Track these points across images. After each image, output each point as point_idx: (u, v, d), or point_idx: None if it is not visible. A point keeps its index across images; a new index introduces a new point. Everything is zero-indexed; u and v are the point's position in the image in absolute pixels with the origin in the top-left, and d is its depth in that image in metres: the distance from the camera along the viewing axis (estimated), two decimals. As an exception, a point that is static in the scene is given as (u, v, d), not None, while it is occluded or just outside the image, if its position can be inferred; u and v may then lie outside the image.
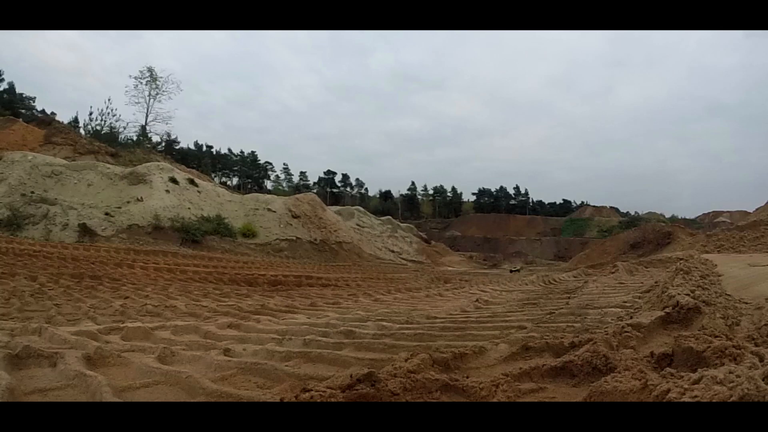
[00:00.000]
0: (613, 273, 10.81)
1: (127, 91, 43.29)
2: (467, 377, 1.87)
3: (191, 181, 22.57)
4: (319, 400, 1.40)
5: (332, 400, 1.42)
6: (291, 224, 23.09)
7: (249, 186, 64.98)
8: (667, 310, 2.64)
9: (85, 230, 15.39)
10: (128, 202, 18.25)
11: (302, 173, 76.14)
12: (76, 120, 42.68)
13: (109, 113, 35.68)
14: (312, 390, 1.46)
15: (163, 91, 41.21)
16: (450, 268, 26.67)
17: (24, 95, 45.34)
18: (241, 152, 72.40)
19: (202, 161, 57.77)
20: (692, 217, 63.61)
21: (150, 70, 41.07)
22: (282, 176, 75.02)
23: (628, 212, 70.71)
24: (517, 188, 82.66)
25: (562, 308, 4.56)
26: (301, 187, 68.00)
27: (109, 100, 37.82)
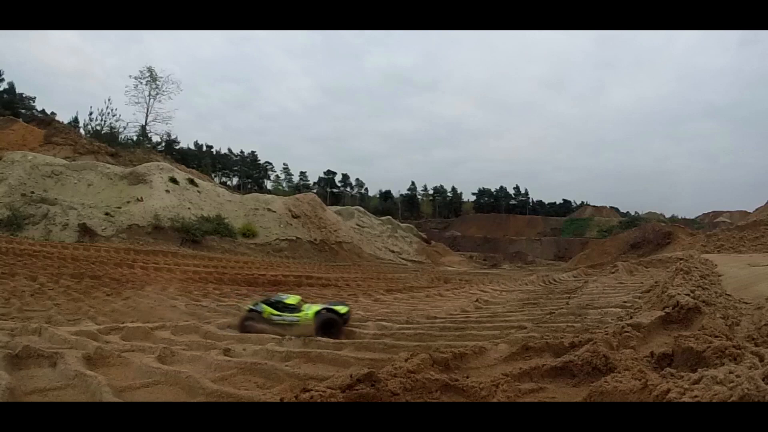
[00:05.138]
0: (613, 273, 10.80)
1: (127, 91, 43.13)
2: (467, 377, 1.87)
3: (191, 181, 22.55)
4: (319, 400, 1.40)
5: (332, 400, 1.42)
6: (291, 224, 23.07)
7: (249, 186, 64.90)
8: (667, 310, 2.64)
9: (85, 230, 15.38)
10: (128, 202, 18.25)
11: (302, 173, 76.10)
12: (76, 120, 42.64)
13: (109, 113, 35.63)
14: (312, 390, 1.46)
15: (163, 91, 41.10)
16: (450, 268, 26.65)
17: (24, 95, 45.30)
18: (241, 152, 72.38)
19: (202, 161, 57.66)
20: (692, 217, 63.50)
21: (150, 70, 40.97)
22: (282, 176, 74.97)
23: (628, 212, 70.66)
24: (517, 188, 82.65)
25: (562, 308, 4.56)
26: (301, 187, 67.90)
27: (109, 100, 37.70)
